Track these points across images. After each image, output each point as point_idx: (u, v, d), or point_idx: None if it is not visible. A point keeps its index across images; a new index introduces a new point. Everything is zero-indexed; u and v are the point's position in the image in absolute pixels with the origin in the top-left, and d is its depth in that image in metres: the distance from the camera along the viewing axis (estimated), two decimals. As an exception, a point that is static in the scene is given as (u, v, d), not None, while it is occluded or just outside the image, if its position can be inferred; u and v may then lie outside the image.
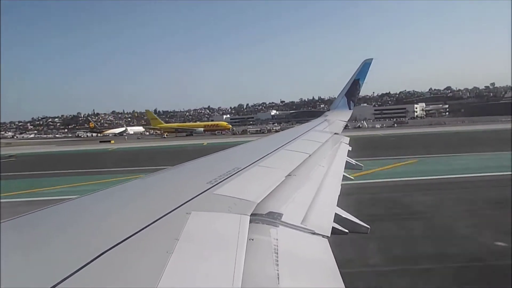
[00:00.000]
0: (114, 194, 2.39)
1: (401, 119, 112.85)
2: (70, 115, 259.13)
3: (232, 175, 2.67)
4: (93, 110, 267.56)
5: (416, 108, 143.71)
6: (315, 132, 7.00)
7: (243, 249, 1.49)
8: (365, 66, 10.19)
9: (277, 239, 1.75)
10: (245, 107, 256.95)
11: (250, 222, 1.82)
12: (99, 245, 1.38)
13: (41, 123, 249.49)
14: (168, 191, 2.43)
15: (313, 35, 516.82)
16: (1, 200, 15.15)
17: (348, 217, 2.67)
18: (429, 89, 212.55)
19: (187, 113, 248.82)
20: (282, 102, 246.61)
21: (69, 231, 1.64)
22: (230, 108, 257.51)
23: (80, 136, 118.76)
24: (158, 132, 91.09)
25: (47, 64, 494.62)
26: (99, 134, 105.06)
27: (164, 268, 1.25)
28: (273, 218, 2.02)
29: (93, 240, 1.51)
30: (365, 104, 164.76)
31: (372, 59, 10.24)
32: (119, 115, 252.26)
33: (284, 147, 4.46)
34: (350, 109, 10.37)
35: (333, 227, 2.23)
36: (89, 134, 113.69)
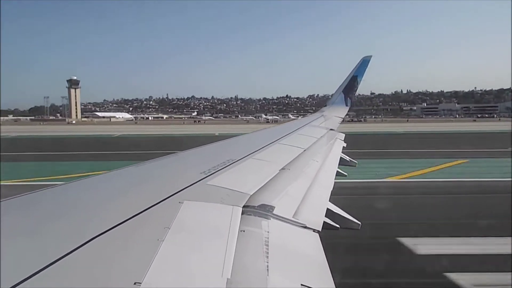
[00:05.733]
0: (107, 181, 2.38)
1: None
2: (160, 97, 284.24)
3: (226, 167, 2.67)
4: (167, 94, 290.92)
5: None
6: (311, 127, 7.01)
7: (234, 240, 1.49)
8: (364, 63, 10.16)
9: (268, 232, 1.76)
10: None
11: (242, 213, 1.83)
12: (89, 230, 1.37)
13: (137, 104, 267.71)
14: (161, 180, 2.43)
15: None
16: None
17: (339, 213, 2.69)
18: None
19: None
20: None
21: (60, 216, 1.63)
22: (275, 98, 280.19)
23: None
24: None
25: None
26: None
27: (154, 256, 1.25)
28: (265, 211, 2.02)
29: (83, 225, 1.50)
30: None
31: (371, 56, 10.22)
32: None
33: (279, 141, 4.46)
34: (347, 105, 10.37)
35: (324, 222, 2.24)
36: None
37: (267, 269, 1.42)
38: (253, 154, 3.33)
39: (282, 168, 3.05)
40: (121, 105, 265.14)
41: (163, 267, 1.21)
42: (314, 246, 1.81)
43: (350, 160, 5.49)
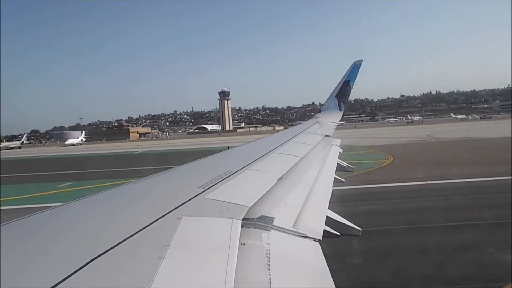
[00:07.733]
0: (105, 199, 2.37)
1: None
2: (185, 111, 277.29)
3: (223, 179, 2.67)
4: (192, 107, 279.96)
5: None
6: (306, 134, 7.04)
7: (235, 254, 1.49)
8: (355, 67, 10.27)
9: (268, 243, 1.76)
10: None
11: (242, 226, 1.82)
12: (89, 251, 1.36)
13: (172, 119, 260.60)
14: (159, 196, 2.42)
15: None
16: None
17: (339, 220, 2.69)
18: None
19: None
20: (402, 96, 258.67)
21: (59, 237, 1.62)
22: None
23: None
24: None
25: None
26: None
27: (155, 275, 1.25)
28: (264, 222, 2.02)
29: (82, 246, 1.49)
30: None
31: (362, 60, 10.32)
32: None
33: (275, 150, 4.47)
34: (341, 110, 10.44)
35: (324, 230, 2.24)
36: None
37: (269, 282, 1.42)
38: (250, 165, 3.34)
39: (280, 178, 3.05)
40: (155, 121, 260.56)
41: (164, 286, 1.20)
42: (315, 256, 1.81)
43: (347, 165, 5.50)
